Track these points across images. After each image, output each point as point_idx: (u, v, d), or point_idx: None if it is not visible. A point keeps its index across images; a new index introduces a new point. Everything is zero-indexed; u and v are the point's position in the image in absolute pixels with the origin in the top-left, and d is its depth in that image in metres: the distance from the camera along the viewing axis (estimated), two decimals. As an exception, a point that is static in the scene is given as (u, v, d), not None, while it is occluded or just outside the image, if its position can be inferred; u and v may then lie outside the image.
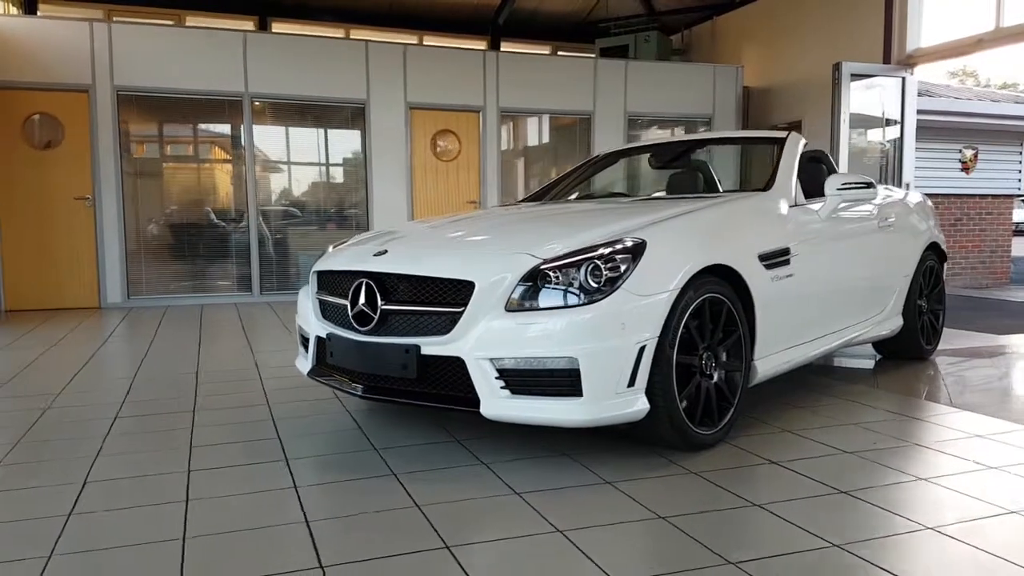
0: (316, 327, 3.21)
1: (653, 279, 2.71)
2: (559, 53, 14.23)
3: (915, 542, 2.10)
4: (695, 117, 10.59)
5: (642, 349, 2.64)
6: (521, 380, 2.62)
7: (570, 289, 2.64)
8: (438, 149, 9.26)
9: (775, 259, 3.28)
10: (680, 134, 10.78)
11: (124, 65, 7.90)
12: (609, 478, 2.63)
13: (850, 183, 3.75)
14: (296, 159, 8.93)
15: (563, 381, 2.59)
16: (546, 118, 10.09)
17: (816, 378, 4.24)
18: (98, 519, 2.31)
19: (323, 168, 9.09)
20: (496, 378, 2.63)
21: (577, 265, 2.67)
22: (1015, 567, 1.93)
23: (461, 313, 2.67)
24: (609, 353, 2.59)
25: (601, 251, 2.70)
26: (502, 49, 13.77)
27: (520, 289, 2.66)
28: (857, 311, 4.04)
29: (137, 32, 8.12)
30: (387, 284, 2.89)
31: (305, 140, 8.92)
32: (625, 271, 2.67)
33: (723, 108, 10.61)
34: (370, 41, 9.01)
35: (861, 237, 4.09)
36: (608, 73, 10.09)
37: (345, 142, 9.06)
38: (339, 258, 3.24)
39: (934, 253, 4.78)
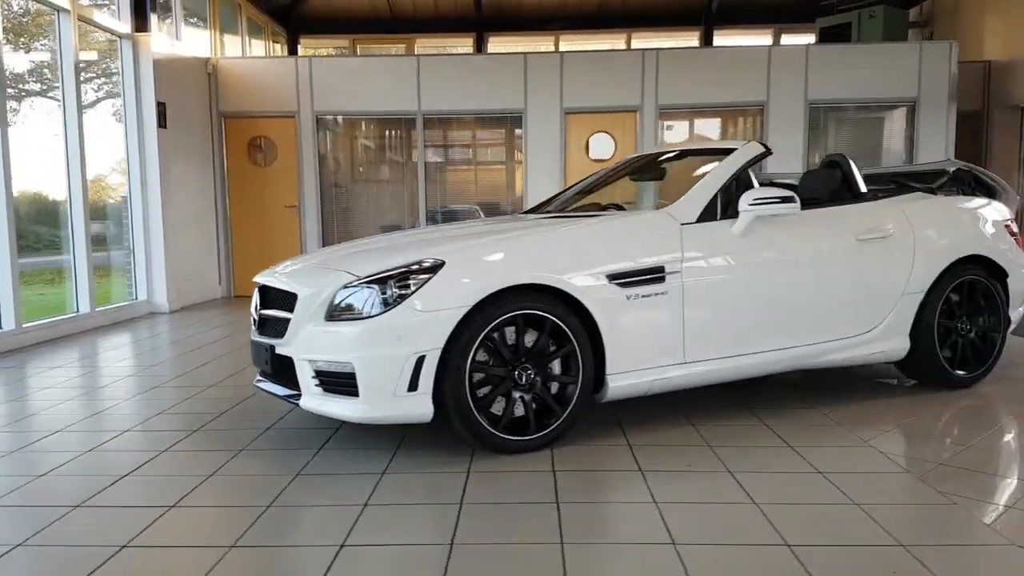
0: None
1: (441, 296, 2.96)
2: (782, 38, 13.44)
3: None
4: (895, 101, 9.46)
5: (421, 359, 2.93)
6: (327, 379, 3.05)
7: (367, 303, 3.02)
8: (591, 151, 9.52)
9: (639, 277, 3.26)
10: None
11: (321, 93, 9.44)
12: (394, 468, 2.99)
13: (763, 198, 3.49)
14: (460, 166, 9.85)
15: (347, 383, 2.99)
16: (712, 112, 9.78)
17: (790, 396, 3.96)
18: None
19: (485, 173, 9.91)
20: (312, 377, 3.11)
21: (381, 282, 3.03)
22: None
23: (290, 320, 3.20)
24: (382, 361, 2.92)
25: (400, 270, 3.03)
26: (716, 38, 13.44)
27: (336, 301, 3.10)
28: (813, 331, 3.68)
29: (331, 64, 9.65)
30: (265, 293, 3.51)
31: (469, 149, 9.79)
32: (415, 289, 2.98)
33: (932, 89, 9.30)
34: (528, 53, 9.58)
35: (817, 251, 3.74)
36: (785, 59, 9.47)
37: (504, 148, 9.77)
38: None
39: (981, 267, 4.09)
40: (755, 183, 4.03)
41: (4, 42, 5.90)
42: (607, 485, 2.79)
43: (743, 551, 2.22)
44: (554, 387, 3.19)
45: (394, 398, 2.95)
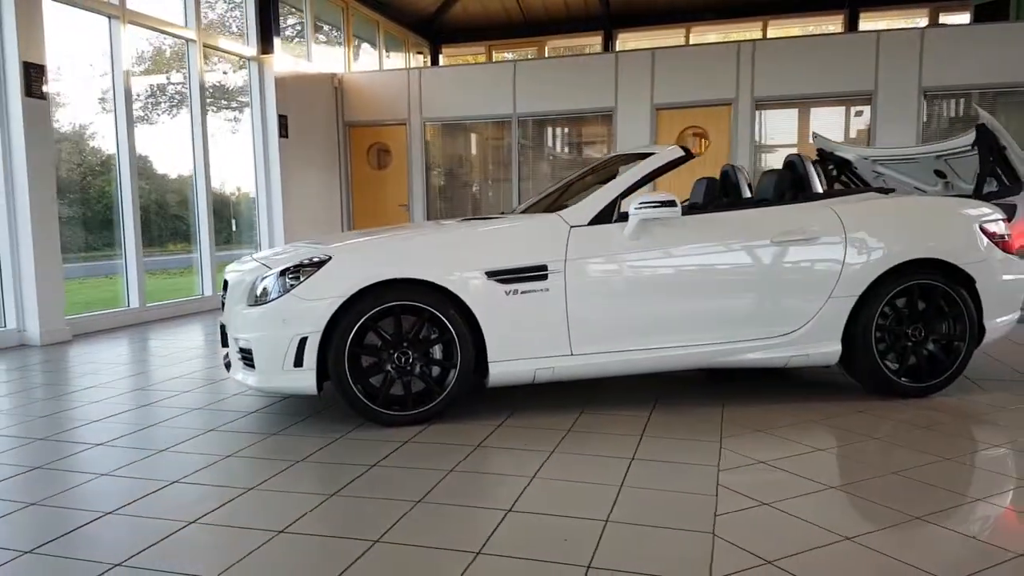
0: None
1: (322, 288, 3.48)
2: (940, 18, 12.34)
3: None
4: (1021, 85, 8.51)
5: (303, 340, 3.48)
6: (244, 355, 3.71)
7: (270, 292, 3.61)
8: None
9: (519, 275, 3.56)
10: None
11: (428, 101, 10.28)
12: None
13: (647, 202, 3.61)
14: (552, 164, 10.23)
15: (249, 358, 3.62)
16: (814, 103, 9.33)
17: (718, 393, 4.05)
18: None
19: (576, 170, 10.21)
20: (237, 352, 3.78)
21: (282, 274, 3.62)
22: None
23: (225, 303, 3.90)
24: (269, 340, 3.49)
25: (295, 264, 3.60)
26: (861, 22, 12.66)
27: (254, 289, 3.72)
28: (718, 331, 3.73)
29: (437, 74, 10.45)
30: (225, 283, 4.22)
31: (560, 147, 10.16)
32: (303, 280, 3.54)
33: (1075, 68, 8.28)
34: (620, 52, 9.76)
35: (720, 253, 3.76)
36: (897, 44, 8.83)
37: (595, 146, 10.02)
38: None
39: (939, 271, 3.87)
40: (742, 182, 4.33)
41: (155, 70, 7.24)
42: (434, 455, 3.14)
43: (466, 511, 2.54)
44: (437, 370, 3.61)
45: (282, 372, 3.51)
